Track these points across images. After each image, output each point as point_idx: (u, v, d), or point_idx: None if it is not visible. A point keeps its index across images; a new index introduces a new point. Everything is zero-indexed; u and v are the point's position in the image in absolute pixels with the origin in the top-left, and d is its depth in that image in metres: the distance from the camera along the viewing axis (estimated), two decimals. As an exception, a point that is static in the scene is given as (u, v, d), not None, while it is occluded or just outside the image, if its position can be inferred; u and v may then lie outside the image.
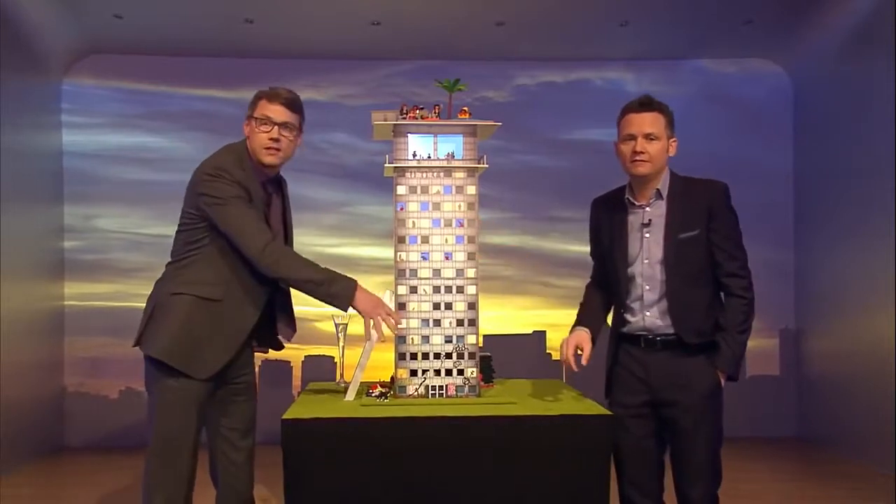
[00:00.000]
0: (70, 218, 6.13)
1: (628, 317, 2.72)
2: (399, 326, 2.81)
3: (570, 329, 2.83)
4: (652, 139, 2.63)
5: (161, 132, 6.19)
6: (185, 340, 2.62)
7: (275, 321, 2.84)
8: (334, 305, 2.68)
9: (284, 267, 2.65)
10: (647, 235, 2.68)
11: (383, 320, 2.69)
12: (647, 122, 2.64)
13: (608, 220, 2.78)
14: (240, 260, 2.67)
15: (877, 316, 5.16)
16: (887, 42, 4.94)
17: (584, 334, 2.77)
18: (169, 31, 5.78)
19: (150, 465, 2.64)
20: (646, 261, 2.67)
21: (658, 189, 2.68)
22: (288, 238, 2.88)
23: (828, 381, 5.93)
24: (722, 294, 2.69)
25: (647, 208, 2.69)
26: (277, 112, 2.71)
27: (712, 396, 2.64)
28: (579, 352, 2.74)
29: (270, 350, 2.93)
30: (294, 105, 2.75)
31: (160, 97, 6.22)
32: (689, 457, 2.64)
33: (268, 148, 2.70)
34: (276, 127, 2.70)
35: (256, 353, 2.91)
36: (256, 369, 2.94)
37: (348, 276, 2.69)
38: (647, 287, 2.67)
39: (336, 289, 2.64)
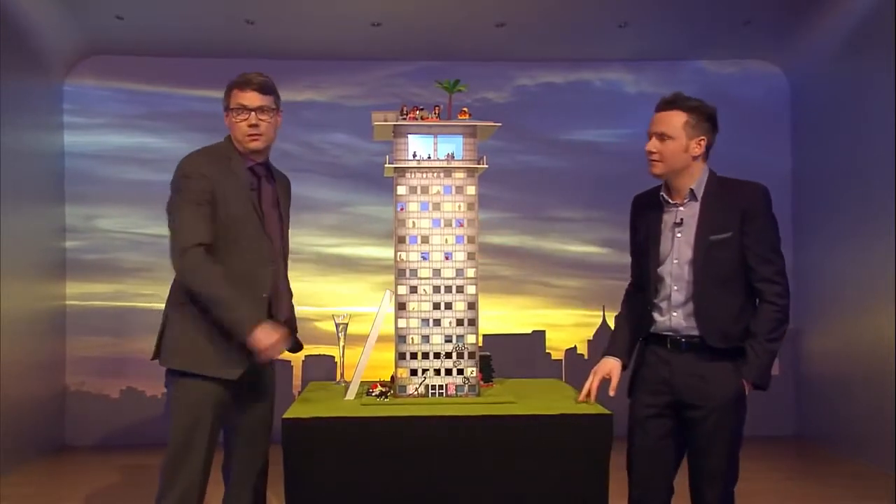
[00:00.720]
0: (71, 218, 6.15)
1: (656, 316, 2.67)
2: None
3: (602, 350, 2.80)
4: (664, 139, 2.58)
5: (161, 133, 6.19)
6: (194, 344, 2.62)
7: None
8: (232, 332, 2.56)
9: (198, 277, 2.57)
10: (679, 235, 2.62)
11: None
12: (662, 121, 2.59)
13: (644, 218, 2.73)
14: (236, 258, 2.66)
15: (876, 316, 5.16)
16: (886, 43, 4.95)
17: (613, 364, 2.74)
18: (170, 32, 5.79)
19: (166, 462, 2.66)
20: (675, 261, 2.62)
21: (692, 189, 2.63)
22: (283, 226, 2.84)
23: (827, 381, 5.94)
24: (756, 300, 2.63)
25: (681, 208, 2.64)
26: (251, 98, 2.72)
27: (735, 402, 2.57)
28: (605, 378, 2.73)
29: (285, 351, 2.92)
30: (266, 87, 2.75)
31: (161, 98, 6.24)
32: (706, 459, 2.60)
33: (250, 135, 2.71)
34: (252, 113, 2.70)
35: None
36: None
37: (257, 313, 2.58)
38: (676, 287, 2.61)
39: (238, 315, 2.55)
